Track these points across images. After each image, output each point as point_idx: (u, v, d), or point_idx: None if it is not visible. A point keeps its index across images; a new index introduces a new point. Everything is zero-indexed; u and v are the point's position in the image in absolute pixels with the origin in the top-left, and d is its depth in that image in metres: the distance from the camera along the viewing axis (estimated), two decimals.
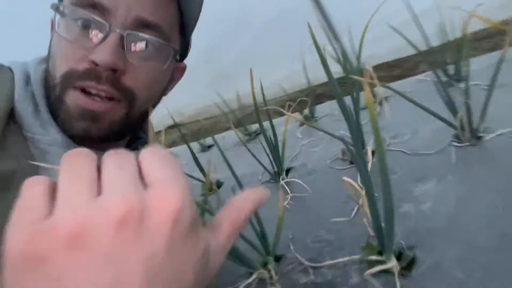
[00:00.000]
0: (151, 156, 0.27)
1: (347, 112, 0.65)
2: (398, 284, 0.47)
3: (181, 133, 1.06)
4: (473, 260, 0.47)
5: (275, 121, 1.53)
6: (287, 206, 0.76)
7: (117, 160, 0.26)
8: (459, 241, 0.50)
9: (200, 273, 0.26)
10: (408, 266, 0.50)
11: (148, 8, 0.57)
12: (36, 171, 0.51)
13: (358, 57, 1.16)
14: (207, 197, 0.65)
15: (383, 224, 0.50)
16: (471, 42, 1.10)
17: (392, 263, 0.49)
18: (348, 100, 0.82)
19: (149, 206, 0.22)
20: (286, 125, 0.91)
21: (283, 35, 2.03)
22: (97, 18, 0.53)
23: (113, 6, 0.52)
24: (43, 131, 0.55)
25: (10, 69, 0.59)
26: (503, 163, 0.60)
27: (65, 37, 0.54)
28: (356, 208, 0.66)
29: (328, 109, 1.26)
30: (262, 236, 0.61)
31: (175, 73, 0.70)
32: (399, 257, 0.51)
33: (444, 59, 1.05)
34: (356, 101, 0.81)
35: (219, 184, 1.07)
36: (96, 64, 0.52)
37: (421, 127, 0.84)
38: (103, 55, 0.51)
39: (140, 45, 0.57)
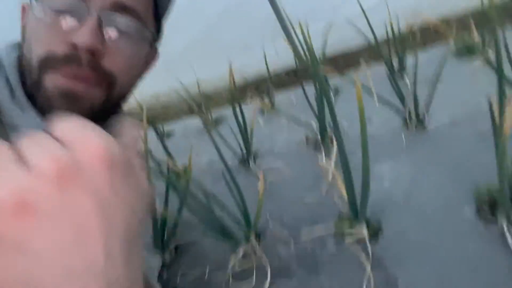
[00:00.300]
0: (63, 122, 0.28)
1: (321, 100, 0.72)
2: (369, 248, 0.56)
3: (148, 118, 1.07)
4: (426, 225, 0.57)
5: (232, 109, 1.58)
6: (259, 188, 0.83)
7: (28, 136, 0.27)
8: (415, 212, 0.61)
9: (145, 210, 0.29)
10: (375, 233, 0.60)
11: None
12: None
13: (310, 49, 1.25)
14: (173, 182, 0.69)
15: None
16: (414, 37, 1.24)
17: (364, 231, 0.58)
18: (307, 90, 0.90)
19: (77, 156, 0.23)
20: (254, 114, 0.97)
21: (237, 25, 2.07)
22: (75, 1, 0.54)
23: None
24: (21, 116, 0.55)
25: None
26: (445, 146, 0.73)
27: (43, 20, 0.54)
28: (326, 187, 0.74)
29: (286, 98, 1.34)
30: (245, 214, 0.67)
31: (150, 58, 0.72)
32: (367, 227, 0.60)
33: (389, 53, 1.17)
34: (323, 91, 0.88)
35: (185, 170, 1.09)
36: (75, 48, 0.53)
37: (372, 115, 0.95)
38: (83, 37, 0.52)
39: (118, 28, 0.59)
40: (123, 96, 0.67)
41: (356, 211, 0.59)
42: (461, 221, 0.56)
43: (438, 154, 0.72)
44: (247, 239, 0.67)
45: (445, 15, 1.65)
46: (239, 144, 0.96)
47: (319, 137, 0.92)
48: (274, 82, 1.70)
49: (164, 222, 0.67)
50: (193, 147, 0.80)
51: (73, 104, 0.56)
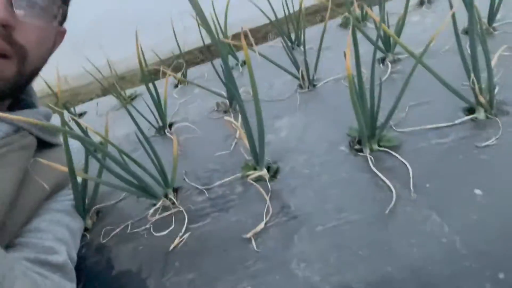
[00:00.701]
0: None
1: (228, 70, 0.80)
2: (269, 185, 0.67)
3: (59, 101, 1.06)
4: (312, 161, 0.70)
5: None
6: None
7: None
8: (304, 152, 0.73)
9: None
10: (274, 174, 0.71)
11: None
12: None
13: (225, 26, 1.33)
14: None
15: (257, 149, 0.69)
16: (307, 15, 1.38)
17: (264, 172, 0.69)
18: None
19: None
20: (166, 85, 1.02)
21: (147, 2, 2.04)
22: None
23: None
24: None
25: None
26: (330, 100, 0.87)
27: None
28: (234, 143, 0.84)
29: (198, 72, 1.40)
30: (162, 173, 0.74)
31: (57, 37, 0.74)
32: (268, 169, 0.71)
33: (287, 29, 1.30)
34: (226, 63, 0.96)
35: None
36: None
37: (274, 81, 1.07)
38: None
39: (28, 4, 0.61)
40: (34, 72, 0.69)
41: (256, 157, 0.70)
42: (338, 154, 0.69)
43: (323, 106, 0.86)
44: (166, 195, 0.74)
45: None
46: (154, 116, 1.01)
47: (227, 102, 1.01)
48: (187, 60, 1.75)
49: (84, 187, 0.71)
50: (108, 121, 0.83)
51: None
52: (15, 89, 0.67)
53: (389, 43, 0.96)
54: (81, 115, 1.47)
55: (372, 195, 0.58)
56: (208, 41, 2.29)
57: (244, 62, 1.28)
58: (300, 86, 0.98)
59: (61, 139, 0.78)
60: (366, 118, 0.64)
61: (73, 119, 0.70)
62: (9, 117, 0.47)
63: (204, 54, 2.14)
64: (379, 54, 0.97)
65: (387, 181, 0.58)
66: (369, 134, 0.66)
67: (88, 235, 0.73)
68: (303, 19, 1.24)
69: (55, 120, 0.79)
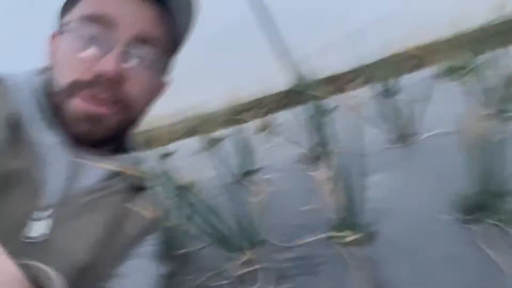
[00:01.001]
0: None
1: (315, 119, 0.78)
2: (362, 251, 0.60)
3: (150, 139, 1.12)
4: (413, 230, 0.62)
5: (230, 129, 1.64)
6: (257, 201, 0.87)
7: None
8: (404, 218, 0.65)
9: None
10: (368, 238, 0.64)
11: (147, 26, 0.64)
12: (39, 170, 0.56)
13: (309, 71, 1.32)
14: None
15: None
16: (399, 62, 1.32)
17: (358, 236, 0.62)
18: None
19: None
20: (251, 132, 1.02)
21: (234, 47, 2.15)
22: (102, 32, 0.59)
23: (117, 21, 0.59)
24: (44, 135, 0.59)
25: (5, 79, 0.63)
26: (431, 158, 0.78)
27: (72, 49, 0.60)
28: (320, 199, 0.78)
29: (282, 118, 1.40)
30: (244, 224, 0.71)
31: (160, 88, 0.78)
32: (361, 232, 0.65)
33: (379, 76, 1.25)
34: (319, 111, 0.94)
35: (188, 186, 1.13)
36: (100, 75, 0.59)
37: (367, 131, 1.01)
38: (107, 66, 0.58)
39: (139, 58, 0.64)
40: (136, 121, 0.73)
41: (349, 218, 0.64)
42: (443, 225, 0.60)
43: (423, 165, 0.77)
44: (247, 247, 0.71)
45: (435, 40, 1.75)
46: (237, 162, 1.01)
47: (313, 154, 0.97)
48: (270, 102, 1.77)
49: (170, 232, 0.71)
50: (190, 166, 0.83)
51: (93, 125, 0.61)
52: (117, 135, 0.70)
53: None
54: (167, 155, 1.54)
55: (483, 280, 0.48)
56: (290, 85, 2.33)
57: (332, 110, 1.25)
58: (395, 140, 0.90)
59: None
60: (481, 184, 0.55)
61: (160, 161, 0.71)
62: (106, 167, 0.49)
63: (287, 98, 2.17)
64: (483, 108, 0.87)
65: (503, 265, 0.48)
66: (483, 203, 0.57)
67: (170, 282, 0.72)
68: (396, 66, 1.19)
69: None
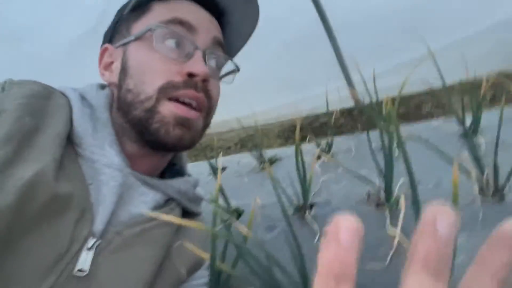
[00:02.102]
0: None
1: (388, 155, 0.68)
2: None
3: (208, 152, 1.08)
4: None
5: (284, 149, 1.57)
6: (318, 244, 0.79)
7: None
8: None
9: None
10: None
11: (218, 30, 0.66)
12: (87, 194, 0.54)
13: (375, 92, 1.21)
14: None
15: None
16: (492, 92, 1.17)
17: None
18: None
19: None
20: (314, 160, 0.94)
21: (288, 64, 2.10)
22: (185, 36, 0.59)
23: (197, 26, 0.61)
24: (100, 152, 0.57)
25: (62, 94, 0.62)
26: None
27: (156, 56, 0.59)
28: (391, 253, 0.69)
29: (344, 144, 1.30)
30: (302, 271, 0.64)
31: None
32: None
33: (462, 108, 1.10)
34: (390, 140, 0.83)
35: (239, 212, 1.08)
36: (192, 75, 0.58)
37: (443, 176, 0.89)
38: (200, 66, 0.58)
39: (216, 61, 0.66)
40: (209, 125, 0.73)
41: None
42: None
43: None
44: None
45: None
46: (295, 191, 0.94)
47: (382, 194, 0.87)
48: (327, 121, 1.68)
49: (219, 274, 0.66)
50: (245, 185, 0.78)
51: (188, 130, 0.60)
52: (197, 141, 0.70)
53: None
54: (222, 170, 1.50)
55: None
56: (349, 103, 2.22)
57: (398, 144, 1.13)
58: (483, 192, 0.78)
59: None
60: None
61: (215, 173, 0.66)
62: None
63: (345, 117, 2.06)
64: None
65: None
66: None
67: None
68: (483, 97, 1.04)
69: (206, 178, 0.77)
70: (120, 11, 0.67)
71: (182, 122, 0.59)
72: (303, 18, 1.77)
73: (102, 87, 0.67)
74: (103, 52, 0.67)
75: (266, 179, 1.20)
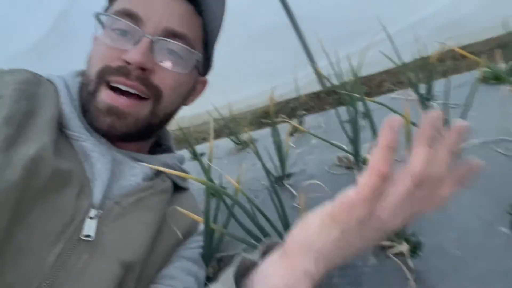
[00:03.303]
0: None
1: (354, 122, 0.77)
2: (410, 263, 0.59)
3: (187, 138, 1.13)
4: (465, 242, 0.60)
5: (259, 131, 1.64)
6: (297, 206, 0.87)
7: None
8: (453, 228, 0.64)
9: None
10: (414, 249, 0.62)
11: (176, 21, 0.66)
12: (83, 170, 0.58)
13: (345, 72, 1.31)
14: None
15: None
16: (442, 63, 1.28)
17: (404, 246, 0.61)
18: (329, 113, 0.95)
19: None
20: (288, 134, 1.02)
21: (259, 53, 2.15)
22: (132, 26, 0.61)
23: (146, 17, 0.63)
24: (88, 133, 0.61)
25: (49, 81, 0.65)
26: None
27: (103, 42, 0.62)
28: None
29: (313, 122, 1.39)
30: (287, 229, 0.71)
31: (197, 85, 0.78)
32: (406, 242, 0.63)
33: (414, 78, 1.22)
34: (355, 113, 0.93)
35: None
36: (128, 63, 0.61)
37: (402, 139, 0.99)
38: (134, 55, 0.61)
39: (168, 51, 0.65)
40: (167, 115, 0.73)
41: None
42: (497, 237, 0.58)
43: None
44: None
45: (469, 44, 1.70)
46: (273, 164, 1.01)
47: (350, 157, 0.96)
48: (297, 106, 1.76)
49: (211, 236, 0.71)
50: (225, 167, 0.83)
51: (117, 118, 0.63)
52: (148, 130, 0.70)
53: None
54: (201, 155, 1.55)
55: None
56: (316, 88, 2.31)
57: (364, 115, 1.23)
58: None
59: (189, 183, 0.81)
60: None
61: (195, 159, 0.71)
62: (157, 168, 0.51)
63: (313, 101, 2.15)
64: None
65: None
66: None
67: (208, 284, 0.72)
68: (434, 68, 1.16)
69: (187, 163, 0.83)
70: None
71: (111, 111, 0.60)
72: (273, 5, 1.84)
73: (80, 74, 0.70)
74: (93, 42, 0.70)
75: (243, 159, 1.27)
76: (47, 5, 1.68)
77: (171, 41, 0.64)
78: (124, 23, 0.61)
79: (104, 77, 0.60)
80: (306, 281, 0.41)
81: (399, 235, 0.62)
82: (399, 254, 0.62)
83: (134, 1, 0.63)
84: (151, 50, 0.62)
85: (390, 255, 0.61)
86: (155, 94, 0.65)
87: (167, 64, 0.66)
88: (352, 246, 0.41)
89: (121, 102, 0.61)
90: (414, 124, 0.84)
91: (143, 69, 0.61)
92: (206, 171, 0.65)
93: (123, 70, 0.60)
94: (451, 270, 0.56)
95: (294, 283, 0.41)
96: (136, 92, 0.62)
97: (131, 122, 0.63)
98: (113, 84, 0.60)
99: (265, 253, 0.50)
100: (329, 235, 0.39)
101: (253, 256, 0.48)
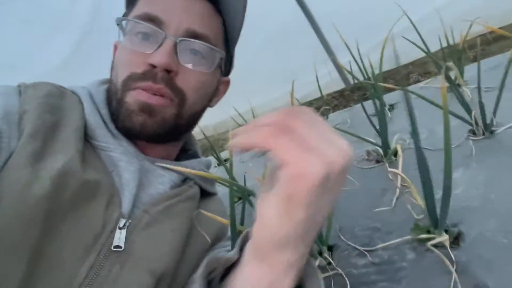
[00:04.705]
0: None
1: (382, 114, 0.74)
2: (452, 254, 0.55)
3: (211, 144, 1.13)
4: (509, 227, 0.55)
5: None
6: None
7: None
8: (495, 215, 0.59)
9: None
10: (455, 240, 0.59)
11: (197, 21, 0.66)
12: (111, 180, 0.58)
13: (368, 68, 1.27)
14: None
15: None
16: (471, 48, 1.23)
17: (445, 237, 0.57)
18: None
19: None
20: None
21: (278, 55, 2.14)
22: (154, 29, 0.61)
23: (167, 19, 0.62)
24: (115, 142, 0.61)
25: (73, 92, 0.66)
26: None
27: (126, 48, 0.62)
28: (395, 198, 0.74)
29: (339, 119, 1.36)
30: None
31: (220, 86, 0.78)
32: (446, 233, 0.60)
33: (445, 66, 1.16)
34: (382, 105, 0.90)
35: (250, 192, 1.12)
36: (153, 66, 0.60)
37: (436, 126, 0.94)
38: (159, 57, 0.60)
39: (191, 52, 0.65)
40: (193, 117, 0.73)
41: (434, 217, 0.59)
42: None
43: (509, 157, 0.70)
44: (320, 252, 0.68)
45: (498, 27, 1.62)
46: None
47: (381, 151, 0.92)
48: (320, 105, 1.73)
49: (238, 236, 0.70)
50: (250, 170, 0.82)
51: (149, 116, 0.62)
52: (175, 131, 0.70)
53: None
54: (225, 161, 1.55)
55: None
56: (340, 86, 2.27)
57: (392, 106, 1.19)
58: (473, 132, 0.83)
59: (216, 187, 0.80)
60: None
61: (227, 165, 0.70)
62: (181, 170, 0.49)
63: (337, 99, 2.11)
64: None
65: None
66: None
67: None
68: (463, 54, 1.10)
69: (212, 169, 0.82)
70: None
71: (144, 108, 0.60)
72: (289, 5, 1.83)
73: (104, 82, 0.71)
74: (114, 49, 0.71)
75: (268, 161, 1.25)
76: (69, 27, 1.75)
77: (194, 40, 0.63)
78: (146, 26, 0.61)
79: (131, 84, 0.60)
80: (289, 273, 0.38)
81: (439, 225, 0.58)
82: (440, 246, 0.58)
83: (154, 4, 0.63)
84: (175, 52, 0.62)
85: (430, 247, 0.57)
86: (180, 96, 0.65)
87: (191, 64, 0.66)
88: (318, 217, 0.37)
89: (152, 99, 0.60)
90: (451, 113, 0.80)
91: (168, 71, 0.61)
92: (229, 171, 0.64)
93: (149, 74, 0.60)
94: (496, 258, 0.52)
95: (278, 279, 0.39)
96: (164, 95, 0.62)
97: (159, 120, 0.63)
98: (141, 88, 0.60)
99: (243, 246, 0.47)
100: (293, 220, 0.35)
101: (230, 253, 0.46)
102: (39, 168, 0.47)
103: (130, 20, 0.62)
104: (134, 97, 0.60)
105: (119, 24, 0.64)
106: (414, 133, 0.60)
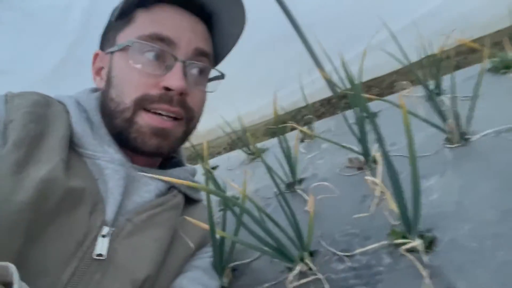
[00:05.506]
0: None
1: (362, 123, 0.76)
2: (425, 258, 0.57)
3: (198, 153, 1.14)
4: (481, 233, 0.58)
5: (269, 140, 1.64)
6: (309, 210, 0.86)
7: None
8: (468, 220, 0.62)
9: None
10: (429, 245, 0.61)
11: (202, 40, 0.69)
12: (96, 188, 0.59)
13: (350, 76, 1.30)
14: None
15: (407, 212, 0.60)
16: (448, 58, 1.27)
17: (418, 242, 0.59)
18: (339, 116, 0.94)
19: None
20: (296, 140, 1.02)
21: (266, 64, 2.17)
22: (164, 50, 0.63)
23: (178, 39, 0.64)
24: (102, 150, 0.62)
25: (59, 101, 0.67)
26: (492, 158, 0.74)
27: (135, 68, 0.63)
28: (374, 204, 0.76)
29: (323, 126, 1.38)
30: (298, 233, 0.70)
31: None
32: (420, 238, 0.62)
33: (423, 76, 1.21)
34: (362, 114, 0.92)
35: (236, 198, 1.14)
36: (168, 89, 0.62)
37: (415, 134, 0.97)
38: (176, 81, 0.62)
39: (198, 71, 0.68)
40: (193, 130, 0.77)
41: (408, 222, 0.61)
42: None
43: (483, 164, 0.73)
44: (302, 258, 0.69)
45: (476, 36, 1.67)
46: (284, 171, 1.01)
47: (361, 158, 0.94)
48: (307, 113, 1.75)
49: (221, 245, 0.71)
50: (237, 177, 0.84)
51: (163, 139, 0.65)
52: (178, 147, 0.73)
53: None
54: (213, 168, 1.56)
55: None
56: (327, 94, 2.31)
57: (375, 114, 1.22)
58: (448, 140, 0.86)
59: (202, 194, 0.81)
60: None
61: (208, 173, 0.72)
62: (171, 180, 0.49)
63: (325, 107, 2.14)
64: None
65: None
66: None
67: None
68: (441, 65, 1.14)
69: (197, 177, 0.83)
70: (110, 16, 0.69)
71: (157, 132, 0.62)
72: (276, 16, 1.86)
73: (94, 90, 0.72)
74: (95, 57, 0.72)
75: (256, 168, 1.27)
76: (60, 34, 1.75)
77: (199, 63, 0.67)
78: (158, 48, 0.62)
79: (144, 105, 0.62)
80: None
81: (412, 231, 0.61)
82: (414, 251, 0.60)
83: (162, 24, 0.64)
84: (185, 73, 0.64)
85: (403, 252, 0.59)
86: (189, 115, 0.68)
87: (198, 84, 0.69)
88: None
89: (166, 124, 0.63)
90: (425, 120, 0.83)
91: (182, 94, 0.63)
92: (210, 177, 0.65)
93: (166, 98, 0.62)
94: (468, 263, 0.54)
95: None
96: (177, 116, 0.64)
97: (173, 140, 0.67)
98: (156, 111, 0.62)
99: None
100: None
101: None
102: (23, 177, 0.48)
103: (141, 42, 0.62)
104: (146, 121, 0.62)
105: (130, 45, 0.62)
106: (380, 142, 0.63)
